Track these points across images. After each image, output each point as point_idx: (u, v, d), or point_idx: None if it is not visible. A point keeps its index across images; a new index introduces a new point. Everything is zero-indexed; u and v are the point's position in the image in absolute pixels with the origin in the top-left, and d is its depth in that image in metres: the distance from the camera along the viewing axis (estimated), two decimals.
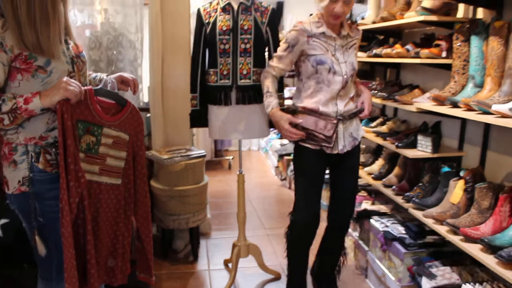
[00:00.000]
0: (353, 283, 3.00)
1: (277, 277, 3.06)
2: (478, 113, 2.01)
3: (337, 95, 2.31)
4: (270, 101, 2.39)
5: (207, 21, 2.57)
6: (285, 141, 5.73)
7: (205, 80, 2.66)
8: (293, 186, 5.03)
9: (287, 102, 2.73)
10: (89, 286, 1.75)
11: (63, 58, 1.64)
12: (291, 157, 5.15)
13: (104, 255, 1.85)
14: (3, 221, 2.43)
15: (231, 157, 6.11)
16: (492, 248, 1.94)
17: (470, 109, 2.07)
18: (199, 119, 2.73)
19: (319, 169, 2.41)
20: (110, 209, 1.83)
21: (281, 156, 5.39)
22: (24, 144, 1.62)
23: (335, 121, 2.30)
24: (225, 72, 2.56)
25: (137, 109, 1.87)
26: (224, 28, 2.51)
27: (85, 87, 1.68)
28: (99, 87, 1.77)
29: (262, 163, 6.46)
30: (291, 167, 4.96)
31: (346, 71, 2.29)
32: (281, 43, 2.41)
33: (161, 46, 3.19)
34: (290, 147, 5.43)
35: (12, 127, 1.60)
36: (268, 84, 2.42)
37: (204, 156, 3.24)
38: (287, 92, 4.67)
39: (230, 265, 3.18)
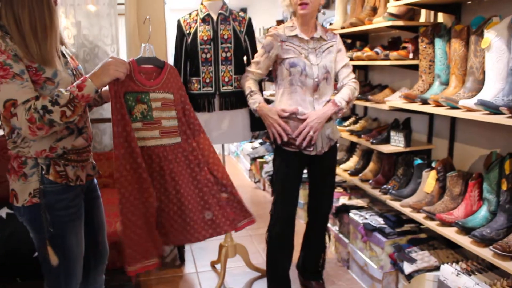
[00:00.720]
0: (336, 274, 3.16)
1: (263, 274, 3.19)
2: (447, 109, 2.22)
3: (312, 97, 2.45)
4: (255, 98, 2.47)
5: (187, 31, 2.68)
6: (257, 145, 5.89)
7: (188, 89, 2.76)
8: (267, 187, 5.21)
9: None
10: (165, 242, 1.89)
11: (67, 70, 1.70)
12: (264, 159, 5.31)
13: (195, 211, 1.89)
14: None
15: None
16: (465, 230, 2.14)
17: (438, 105, 2.27)
18: None
19: (297, 170, 2.56)
20: (182, 166, 1.89)
21: (253, 159, 5.53)
22: (34, 157, 1.65)
23: None
24: (207, 80, 2.68)
25: (173, 67, 1.95)
26: (205, 38, 2.63)
27: (129, 60, 1.78)
28: (138, 56, 1.86)
29: (234, 167, 6.58)
30: (265, 169, 5.11)
31: (318, 74, 2.42)
32: (258, 49, 2.55)
33: (146, 32, 3.25)
34: (262, 150, 5.59)
35: (24, 142, 1.64)
36: (250, 85, 2.53)
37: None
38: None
39: (217, 266, 3.28)
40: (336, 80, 2.56)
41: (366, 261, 2.89)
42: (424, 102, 2.39)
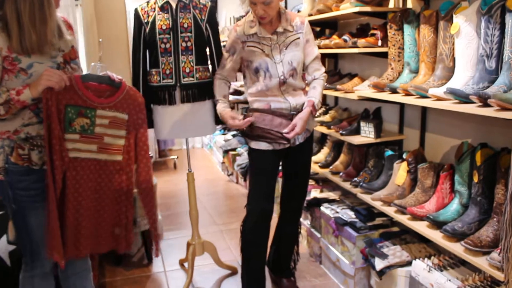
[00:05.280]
0: (308, 269, 3.07)
1: (234, 272, 3.08)
2: (416, 98, 2.13)
3: (281, 91, 2.34)
4: (218, 107, 2.45)
5: (145, 20, 2.52)
6: (229, 137, 5.75)
7: (148, 81, 2.62)
8: (240, 180, 5.10)
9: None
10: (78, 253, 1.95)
11: (49, 63, 1.78)
12: (236, 151, 5.18)
13: (109, 224, 2.02)
14: (11, 248, 2.35)
15: (176, 157, 6.04)
16: (437, 224, 2.06)
17: (408, 94, 2.18)
18: None
19: (272, 163, 2.44)
20: (112, 183, 1.97)
21: (226, 152, 5.40)
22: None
23: (290, 117, 2.32)
24: (167, 72, 2.53)
25: (135, 89, 2.01)
26: (164, 27, 2.48)
27: (71, 75, 1.84)
28: (86, 73, 1.92)
29: (207, 160, 6.44)
30: (238, 161, 4.99)
31: (282, 71, 2.31)
32: (223, 51, 2.50)
33: (97, 48, 3.10)
34: (235, 142, 5.46)
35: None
36: (216, 93, 2.49)
37: (151, 157, 3.19)
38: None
39: (185, 264, 3.16)
40: (304, 70, 2.45)
41: (338, 256, 2.80)
42: (394, 91, 2.29)
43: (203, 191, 4.93)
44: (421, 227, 2.13)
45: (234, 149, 5.29)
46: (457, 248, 1.90)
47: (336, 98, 3.49)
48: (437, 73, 2.10)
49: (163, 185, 5.18)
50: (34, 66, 1.75)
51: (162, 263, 3.30)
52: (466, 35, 1.91)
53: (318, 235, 3.10)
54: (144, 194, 2.09)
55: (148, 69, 2.61)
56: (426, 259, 2.19)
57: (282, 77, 2.31)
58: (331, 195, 3.21)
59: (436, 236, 2.03)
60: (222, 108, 2.43)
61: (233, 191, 4.96)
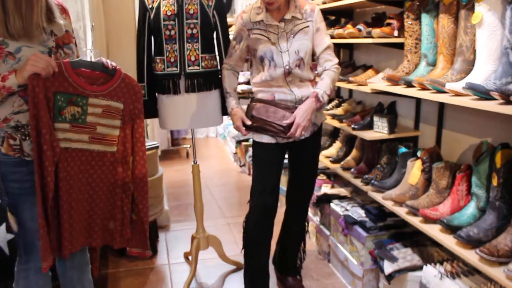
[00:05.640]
0: (316, 268, 2.96)
1: (239, 267, 2.99)
2: (433, 92, 1.98)
3: (286, 82, 2.22)
4: (229, 102, 2.36)
5: (150, 6, 2.41)
6: None
7: (152, 69, 2.52)
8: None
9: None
10: (63, 249, 1.84)
11: (39, 47, 1.69)
12: (249, 142, 5.07)
13: (102, 218, 1.94)
14: (10, 237, 2.32)
15: (188, 146, 5.97)
16: (451, 228, 1.93)
17: (424, 88, 2.03)
18: (148, 109, 2.58)
19: (276, 156, 2.33)
20: (106, 175, 1.89)
21: (238, 142, 5.30)
22: None
23: (294, 110, 2.19)
24: (172, 60, 2.42)
25: (131, 77, 1.89)
26: (169, 13, 2.37)
27: (61, 60, 1.74)
28: (77, 59, 1.80)
29: (220, 149, 6.35)
30: (250, 152, 4.89)
31: (288, 61, 2.20)
32: (231, 39, 2.40)
33: (104, 34, 3.02)
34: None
35: None
36: (225, 85, 2.39)
37: (157, 147, 3.11)
38: (241, 77, 4.58)
39: (190, 258, 3.08)
40: (314, 60, 2.32)
41: (347, 255, 2.69)
42: (409, 84, 2.15)
43: (215, 182, 4.85)
44: (434, 231, 1.99)
45: (247, 140, 5.18)
46: (471, 256, 1.76)
47: (351, 90, 3.35)
48: (456, 67, 1.95)
49: (173, 174, 5.11)
50: (23, 50, 1.66)
51: (167, 255, 3.23)
52: (489, 26, 1.75)
53: (327, 232, 2.98)
54: (139, 188, 1.99)
55: (153, 56, 2.51)
56: (438, 265, 2.06)
57: (287, 67, 2.19)
58: (342, 191, 3.08)
59: (449, 241, 1.89)
60: (234, 105, 2.35)
61: (245, 182, 4.86)
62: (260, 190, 2.32)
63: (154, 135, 5.27)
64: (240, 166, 5.38)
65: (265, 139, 2.26)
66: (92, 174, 1.88)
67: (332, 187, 3.20)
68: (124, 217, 1.97)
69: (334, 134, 3.31)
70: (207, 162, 5.57)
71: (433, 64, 2.15)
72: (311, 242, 3.24)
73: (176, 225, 3.73)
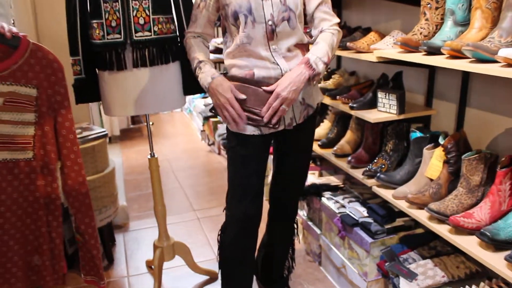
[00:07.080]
0: (305, 273, 2.47)
1: (213, 277, 2.48)
2: (471, 61, 1.45)
3: (270, 49, 1.64)
4: (205, 72, 1.66)
5: None
6: (210, 100, 5.04)
7: (89, 37, 1.90)
8: (222, 151, 4.42)
9: None
10: None
11: None
12: (218, 119, 4.48)
13: (21, 253, 1.54)
14: None
15: (151, 123, 5.33)
16: (496, 244, 1.44)
17: (457, 56, 1.50)
18: (86, 91, 1.98)
19: (259, 150, 1.76)
20: (20, 192, 1.48)
21: (206, 119, 4.71)
22: None
23: None
24: (113, 24, 1.81)
25: (45, 49, 1.43)
26: None
27: None
28: None
29: (186, 126, 5.75)
30: (219, 130, 4.32)
31: (271, 14, 1.59)
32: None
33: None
34: None
35: None
36: (195, 55, 1.71)
37: (105, 135, 2.51)
38: None
39: (153, 266, 2.54)
40: (306, 23, 1.73)
41: (345, 262, 2.20)
42: (434, 51, 1.61)
43: (181, 165, 4.29)
44: (469, 245, 1.51)
45: (216, 116, 4.59)
46: None
47: (339, 58, 2.79)
48: (505, 26, 1.42)
49: (134, 156, 4.52)
50: None
51: (125, 264, 2.68)
52: None
53: (318, 231, 2.48)
54: (77, 203, 1.54)
55: (88, 20, 1.88)
56: (474, 286, 1.58)
57: (270, 22, 1.59)
58: (333, 180, 2.57)
59: (495, 262, 1.41)
60: (215, 73, 1.65)
61: (214, 164, 4.32)
62: (239, 197, 1.76)
63: None
64: (209, 145, 4.82)
65: (248, 130, 1.69)
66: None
67: (320, 174, 2.68)
68: (54, 247, 1.57)
69: (321, 111, 2.76)
70: (172, 140, 4.97)
71: (464, 23, 1.62)
72: (297, 239, 2.73)
73: (136, 223, 3.16)
